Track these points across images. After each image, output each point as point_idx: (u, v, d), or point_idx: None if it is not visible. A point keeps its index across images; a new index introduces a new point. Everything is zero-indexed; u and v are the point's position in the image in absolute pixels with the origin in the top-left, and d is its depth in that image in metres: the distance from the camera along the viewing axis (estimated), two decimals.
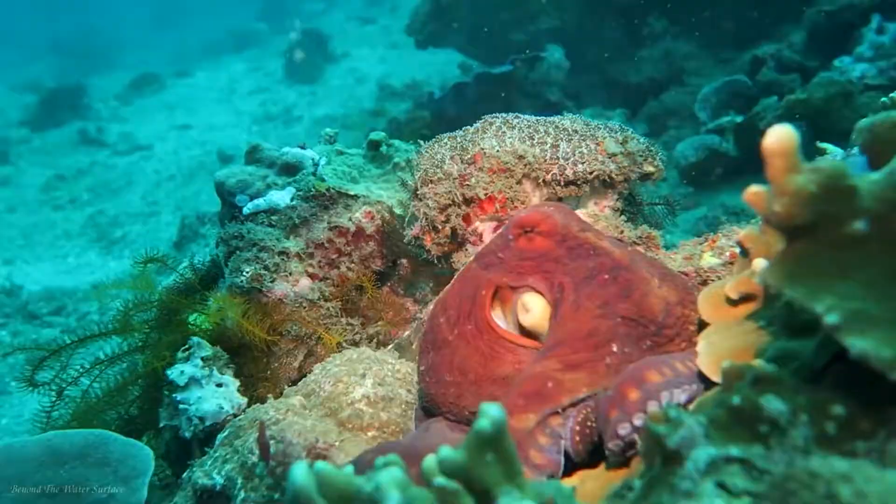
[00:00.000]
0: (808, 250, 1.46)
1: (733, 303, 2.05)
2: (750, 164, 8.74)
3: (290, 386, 3.15)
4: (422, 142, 3.52)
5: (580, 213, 3.42)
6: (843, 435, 1.37)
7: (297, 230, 3.78)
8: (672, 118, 10.82)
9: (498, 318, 2.29)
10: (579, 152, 3.13)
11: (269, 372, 3.42)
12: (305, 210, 3.77)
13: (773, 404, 1.38)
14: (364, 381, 2.65)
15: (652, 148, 3.52)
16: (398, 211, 3.96)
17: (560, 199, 3.28)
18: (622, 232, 3.43)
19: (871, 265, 1.41)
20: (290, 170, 3.99)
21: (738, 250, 2.27)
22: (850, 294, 1.37)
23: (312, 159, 3.97)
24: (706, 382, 2.19)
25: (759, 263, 1.95)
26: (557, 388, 1.98)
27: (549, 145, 3.16)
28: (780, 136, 1.44)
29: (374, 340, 3.58)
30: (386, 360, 2.88)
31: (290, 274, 3.65)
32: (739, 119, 9.03)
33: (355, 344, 3.48)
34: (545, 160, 3.12)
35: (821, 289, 1.40)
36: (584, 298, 2.13)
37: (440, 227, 3.19)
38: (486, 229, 3.27)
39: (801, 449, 1.36)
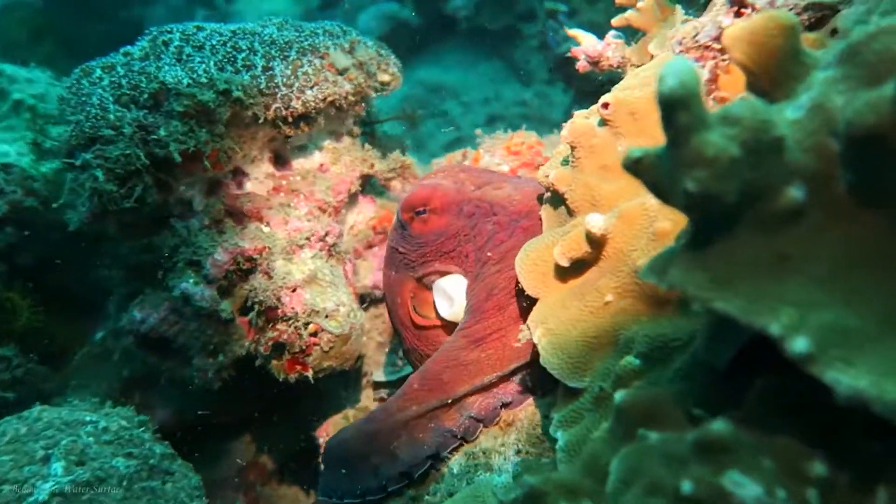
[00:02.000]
0: (735, 240, 0.96)
1: (565, 272, 1.56)
2: (434, 31, 8.43)
3: None
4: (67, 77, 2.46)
5: (315, 156, 2.70)
6: None
7: None
8: None
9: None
10: (303, 73, 2.36)
11: None
12: None
13: (746, 490, 0.90)
14: (51, 468, 1.78)
15: (382, 51, 2.86)
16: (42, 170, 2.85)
17: (287, 139, 2.51)
18: (373, 166, 2.79)
19: (823, 249, 0.95)
20: None
21: (548, 194, 1.77)
22: (811, 298, 0.91)
23: None
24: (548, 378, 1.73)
25: (594, 221, 1.46)
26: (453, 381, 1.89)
27: (259, 68, 2.33)
28: (681, 78, 0.89)
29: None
30: (82, 420, 2.00)
31: None
32: None
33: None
34: (260, 91, 2.31)
35: (767, 296, 0.92)
36: (486, 264, 1.97)
37: (123, 205, 2.26)
38: (195, 196, 2.41)
39: None
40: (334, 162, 2.76)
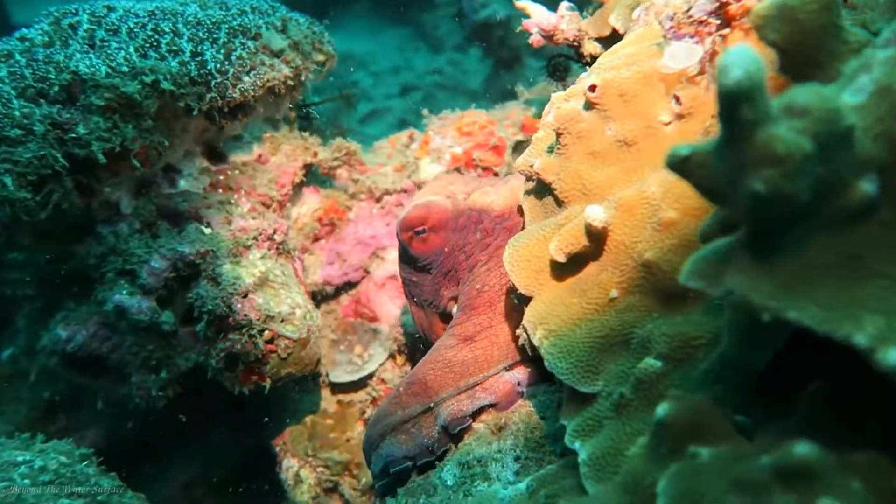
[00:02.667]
0: (803, 242, 0.87)
1: (561, 268, 1.46)
2: None
3: None
4: None
5: (252, 147, 2.49)
6: None
7: None
8: None
9: None
10: (237, 58, 2.14)
11: None
12: None
13: None
14: None
15: (315, 28, 2.66)
16: None
17: (222, 130, 2.29)
18: (316, 154, 2.60)
19: None
20: None
21: (524, 171, 1.65)
22: (893, 303, 0.84)
23: None
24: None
25: (595, 214, 1.36)
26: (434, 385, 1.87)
27: (188, 54, 2.10)
28: (747, 69, 0.79)
29: None
30: (13, 461, 1.77)
31: None
32: None
33: None
34: (191, 79, 2.08)
35: (845, 303, 0.85)
36: (476, 266, 2.01)
37: (39, 216, 2.01)
38: (122, 197, 2.17)
39: None
40: (273, 152, 2.55)
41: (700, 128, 1.41)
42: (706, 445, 0.95)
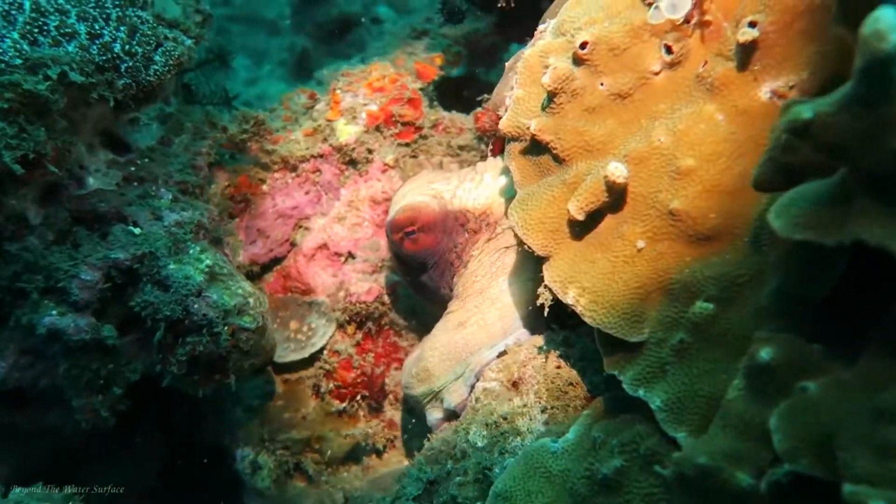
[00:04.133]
0: None
1: (579, 226, 1.51)
2: None
3: None
4: None
5: (152, 129, 2.25)
6: None
7: None
8: None
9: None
10: (141, 36, 1.91)
11: None
12: None
13: None
14: None
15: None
16: None
17: (117, 116, 2.05)
18: (225, 129, 2.41)
19: None
20: None
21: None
22: None
23: None
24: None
25: (618, 170, 1.41)
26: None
27: (84, 35, 1.83)
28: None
29: None
30: None
31: None
32: None
33: None
34: (98, 66, 1.82)
35: None
36: (470, 260, 2.19)
37: None
38: (29, 207, 1.89)
39: None
40: (176, 132, 2.33)
41: (690, 75, 1.49)
42: (810, 380, 1.06)
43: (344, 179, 2.70)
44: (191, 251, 2.05)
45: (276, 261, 2.70)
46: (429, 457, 1.81)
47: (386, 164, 2.66)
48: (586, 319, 1.44)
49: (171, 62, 1.96)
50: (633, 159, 1.45)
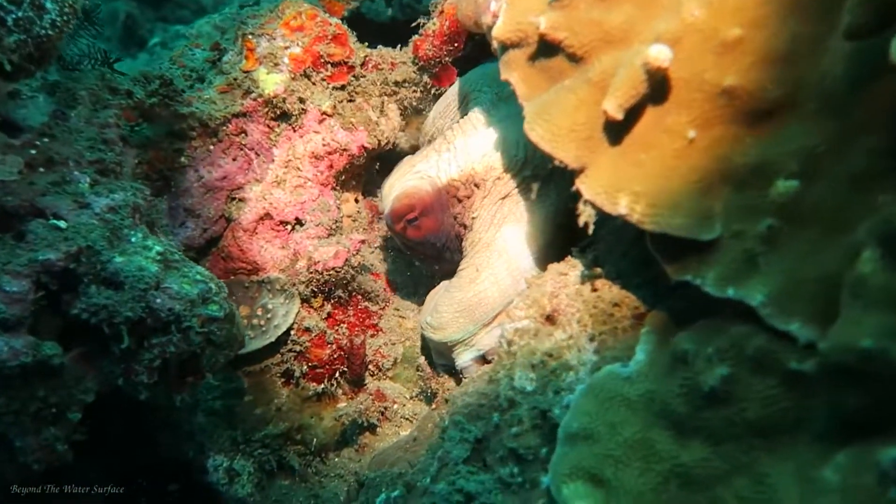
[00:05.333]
0: None
1: (616, 128, 1.36)
2: None
3: None
4: None
5: (39, 101, 1.87)
6: None
7: None
8: None
9: None
10: None
11: None
12: None
13: None
14: None
15: None
16: None
17: None
18: (130, 94, 2.05)
19: None
20: None
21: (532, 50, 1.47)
22: None
23: None
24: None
25: (662, 53, 1.27)
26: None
27: None
28: None
29: None
30: None
31: None
32: None
33: None
34: None
35: None
36: (472, 226, 2.22)
37: None
38: None
39: None
40: (70, 103, 1.94)
41: None
42: None
43: (275, 137, 2.39)
44: (133, 239, 1.72)
45: (214, 241, 2.37)
46: (468, 414, 1.63)
47: (323, 113, 2.39)
48: (647, 227, 1.31)
49: (65, 9, 1.59)
50: (669, 40, 1.32)
